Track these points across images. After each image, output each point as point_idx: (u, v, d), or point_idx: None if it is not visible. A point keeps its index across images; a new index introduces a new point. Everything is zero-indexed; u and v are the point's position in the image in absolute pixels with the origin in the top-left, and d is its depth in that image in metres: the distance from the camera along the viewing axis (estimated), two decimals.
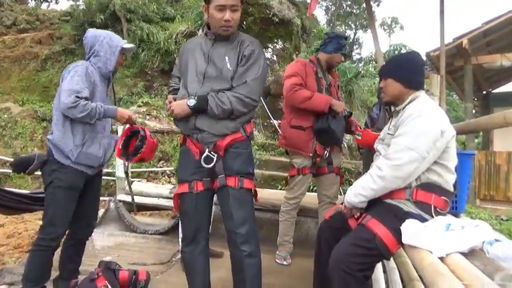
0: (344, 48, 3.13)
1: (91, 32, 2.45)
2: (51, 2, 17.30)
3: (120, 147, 2.41)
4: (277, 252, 3.32)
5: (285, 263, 3.25)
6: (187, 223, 2.17)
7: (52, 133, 2.30)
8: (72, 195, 2.30)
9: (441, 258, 1.29)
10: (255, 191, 2.14)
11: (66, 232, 2.43)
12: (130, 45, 2.53)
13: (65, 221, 2.29)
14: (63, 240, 2.44)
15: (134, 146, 2.39)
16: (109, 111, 2.33)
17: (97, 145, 2.37)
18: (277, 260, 3.28)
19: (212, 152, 2.02)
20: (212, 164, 2.01)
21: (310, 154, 3.04)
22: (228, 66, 2.02)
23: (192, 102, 1.98)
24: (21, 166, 2.34)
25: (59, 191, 2.26)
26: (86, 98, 2.19)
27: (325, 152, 3.06)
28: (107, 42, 2.38)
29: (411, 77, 1.92)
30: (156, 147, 2.49)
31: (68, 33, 12.13)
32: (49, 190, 2.28)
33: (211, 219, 2.29)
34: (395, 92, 1.95)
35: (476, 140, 11.71)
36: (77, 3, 14.28)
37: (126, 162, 2.57)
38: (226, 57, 2.02)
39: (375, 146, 2.14)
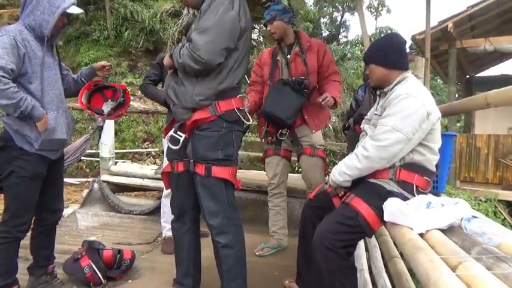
0: (268, 14, 2.80)
1: None
2: None
3: (84, 101, 2.21)
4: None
5: (258, 252, 3.03)
6: (173, 201, 2.19)
7: (8, 115, 1.98)
8: (36, 183, 2.10)
9: (421, 235, 1.32)
10: (233, 177, 1.96)
11: (33, 219, 2.27)
12: (77, 11, 2.08)
13: (31, 210, 2.13)
14: (31, 227, 2.28)
15: (117, 101, 2.32)
16: (36, 112, 1.95)
17: (60, 126, 2.12)
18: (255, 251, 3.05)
19: (179, 132, 1.93)
20: (179, 146, 1.92)
21: (261, 138, 3.01)
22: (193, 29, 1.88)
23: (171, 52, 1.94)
24: None
25: (23, 181, 2.03)
26: (13, 74, 1.87)
27: (280, 131, 2.91)
28: None
29: (391, 57, 1.92)
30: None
31: None
32: (11, 180, 2.02)
33: None
34: (379, 75, 1.94)
35: (458, 124, 11.91)
36: None
37: (101, 118, 2.36)
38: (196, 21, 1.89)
39: (361, 126, 2.16)
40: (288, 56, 2.89)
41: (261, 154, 7.16)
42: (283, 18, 2.81)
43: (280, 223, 3.13)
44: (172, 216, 2.21)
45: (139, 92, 9.10)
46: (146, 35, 10.26)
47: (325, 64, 2.89)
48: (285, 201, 3.17)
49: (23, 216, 2.08)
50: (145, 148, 8.28)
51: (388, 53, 1.93)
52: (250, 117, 2.03)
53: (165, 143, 3.17)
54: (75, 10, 2.08)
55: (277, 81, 2.79)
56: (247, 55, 2.00)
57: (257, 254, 3.01)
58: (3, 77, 1.82)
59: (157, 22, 10.22)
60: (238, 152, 2.08)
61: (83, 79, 2.39)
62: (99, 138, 2.92)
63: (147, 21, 10.06)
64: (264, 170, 3.24)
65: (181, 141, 1.92)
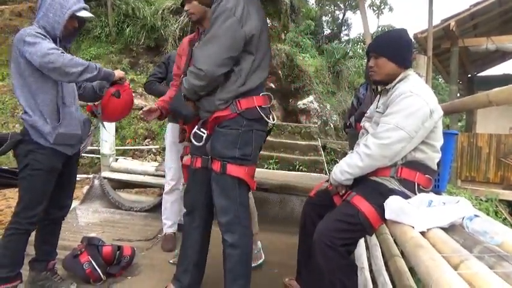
0: None
1: None
2: None
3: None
4: None
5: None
6: (186, 194, 2.18)
7: (26, 112, 2.08)
8: (51, 177, 2.15)
9: (422, 233, 1.32)
10: (248, 177, 1.95)
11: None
12: (86, 15, 2.17)
13: (43, 203, 2.15)
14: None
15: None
16: (107, 70, 2.13)
17: (75, 121, 2.19)
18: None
19: (201, 129, 1.97)
20: (202, 143, 1.95)
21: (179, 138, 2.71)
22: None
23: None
24: None
25: (37, 174, 2.08)
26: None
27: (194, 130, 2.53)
28: (58, 1, 2.06)
29: (404, 55, 1.90)
30: (123, 105, 2.31)
31: None
32: (25, 172, 2.08)
33: None
34: (389, 71, 1.89)
35: (459, 123, 11.91)
36: None
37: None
38: None
39: (361, 124, 2.15)
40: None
41: (267, 152, 7.20)
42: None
43: None
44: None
45: (140, 89, 9.10)
46: (147, 32, 10.22)
47: None
48: None
49: (34, 209, 2.11)
50: (146, 145, 8.28)
51: (400, 49, 1.90)
52: (275, 116, 2.00)
53: (167, 140, 3.17)
54: (85, 14, 2.16)
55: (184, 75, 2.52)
56: (266, 57, 1.97)
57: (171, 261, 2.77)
58: (63, 52, 1.95)
59: (158, 19, 10.18)
60: None
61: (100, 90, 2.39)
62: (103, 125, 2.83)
63: (148, 18, 10.02)
64: (268, 168, 3.18)
65: (204, 137, 1.94)
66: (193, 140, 1.98)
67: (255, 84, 1.91)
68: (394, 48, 1.90)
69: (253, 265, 2.67)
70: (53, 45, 1.98)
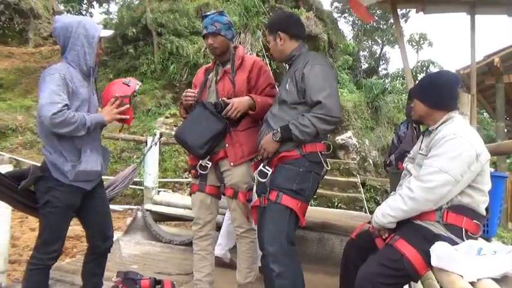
0: (213, 25, 2.40)
1: (60, 22, 2.11)
2: (86, 15, 18.02)
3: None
4: None
5: None
6: (260, 235, 2.16)
7: (45, 148, 2.10)
8: (69, 213, 2.18)
9: (472, 283, 1.28)
10: (300, 212, 2.04)
11: (87, 247, 2.39)
12: (109, 32, 2.26)
13: (61, 239, 2.17)
14: (85, 253, 2.39)
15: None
16: (96, 120, 2.12)
17: (94, 158, 2.19)
18: None
19: (266, 167, 2.12)
20: (267, 179, 2.10)
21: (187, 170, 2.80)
22: (286, 87, 2.14)
23: (278, 136, 2.07)
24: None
25: (56, 211, 2.09)
26: (68, 107, 1.98)
27: (200, 162, 2.45)
28: (81, 33, 2.08)
29: (436, 98, 1.90)
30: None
31: None
32: (45, 209, 2.09)
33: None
34: (421, 112, 1.96)
35: (508, 160, 11.32)
36: (110, 16, 14.78)
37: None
38: (289, 79, 2.16)
39: (404, 165, 2.13)
40: (216, 75, 2.57)
41: None
42: (227, 35, 2.46)
43: (206, 270, 2.60)
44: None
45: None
46: (190, 69, 10.69)
47: (260, 86, 2.49)
48: (212, 245, 2.68)
49: (53, 245, 2.13)
50: (186, 178, 8.46)
51: (428, 91, 1.93)
52: (329, 163, 2.19)
53: None
54: (107, 32, 2.25)
55: (197, 103, 2.47)
56: None
57: None
58: (60, 111, 1.92)
59: (201, 57, 10.65)
60: None
61: None
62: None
63: (191, 56, 10.52)
64: (316, 205, 3.12)
65: (269, 175, 2.09)
66: (257, 177, 2.15)
67: None
68: (424, 91, 1.96)
69: None
70: (60, 104, 1.93)
